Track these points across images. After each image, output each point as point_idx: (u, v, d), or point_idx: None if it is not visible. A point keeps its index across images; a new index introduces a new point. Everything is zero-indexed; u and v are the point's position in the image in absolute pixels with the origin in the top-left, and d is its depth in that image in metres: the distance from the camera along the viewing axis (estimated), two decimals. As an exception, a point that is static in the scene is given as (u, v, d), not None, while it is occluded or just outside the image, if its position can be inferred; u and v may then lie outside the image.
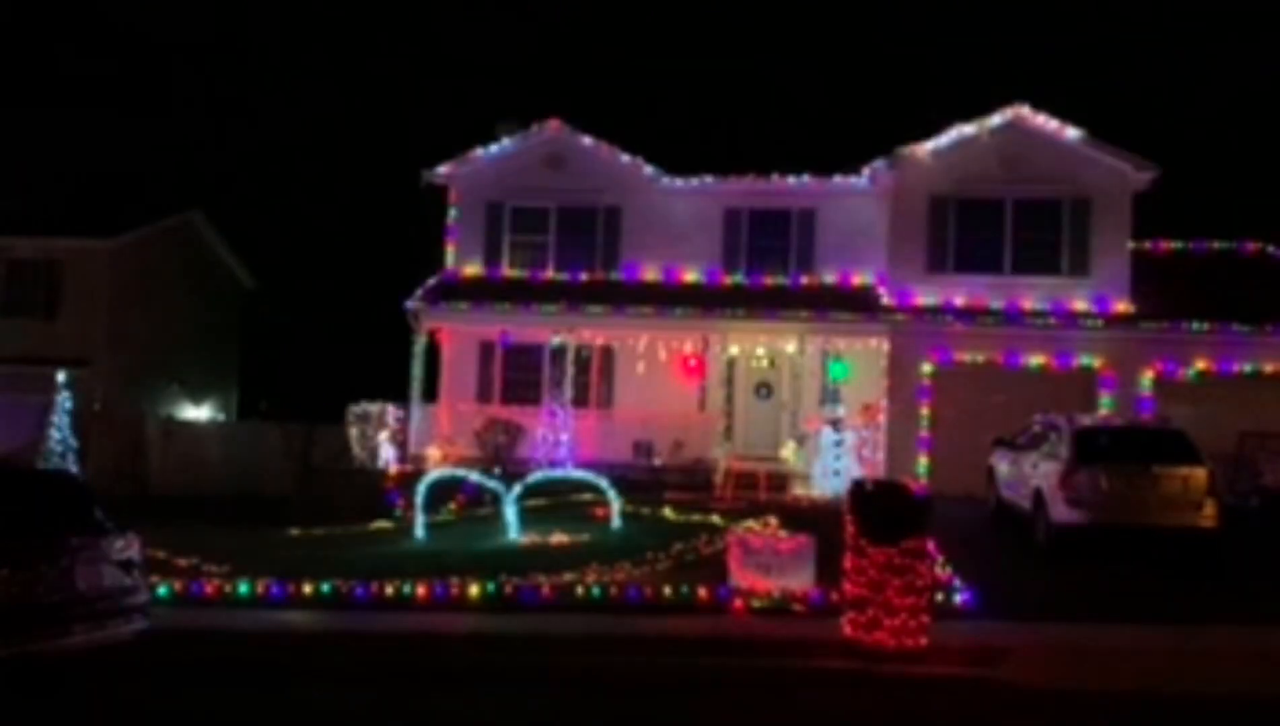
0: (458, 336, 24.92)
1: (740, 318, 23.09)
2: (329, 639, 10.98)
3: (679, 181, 24.95)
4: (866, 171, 23.74)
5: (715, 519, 16.86)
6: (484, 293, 24.20)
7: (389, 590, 12.77)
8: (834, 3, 63.37)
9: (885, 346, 22.66)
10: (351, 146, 59.49)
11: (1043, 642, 11.08)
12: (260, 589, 12.90)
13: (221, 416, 34.46)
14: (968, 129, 22.88)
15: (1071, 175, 22.61)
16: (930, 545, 10.55)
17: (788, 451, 22.68)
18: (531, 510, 17.39)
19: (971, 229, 22.88)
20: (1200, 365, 21.91)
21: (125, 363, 29.19)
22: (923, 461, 21.96)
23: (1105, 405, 21.69)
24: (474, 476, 18.08)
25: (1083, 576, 14.25)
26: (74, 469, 22.00)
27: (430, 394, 24.59)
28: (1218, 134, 47.41)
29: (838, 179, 24.36)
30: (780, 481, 21.66)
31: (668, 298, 23.64)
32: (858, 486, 10.96)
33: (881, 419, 22.29)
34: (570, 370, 23.72)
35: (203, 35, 62.60)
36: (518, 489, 16.94)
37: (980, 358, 22.32)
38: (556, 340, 23.78)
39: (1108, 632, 11.65)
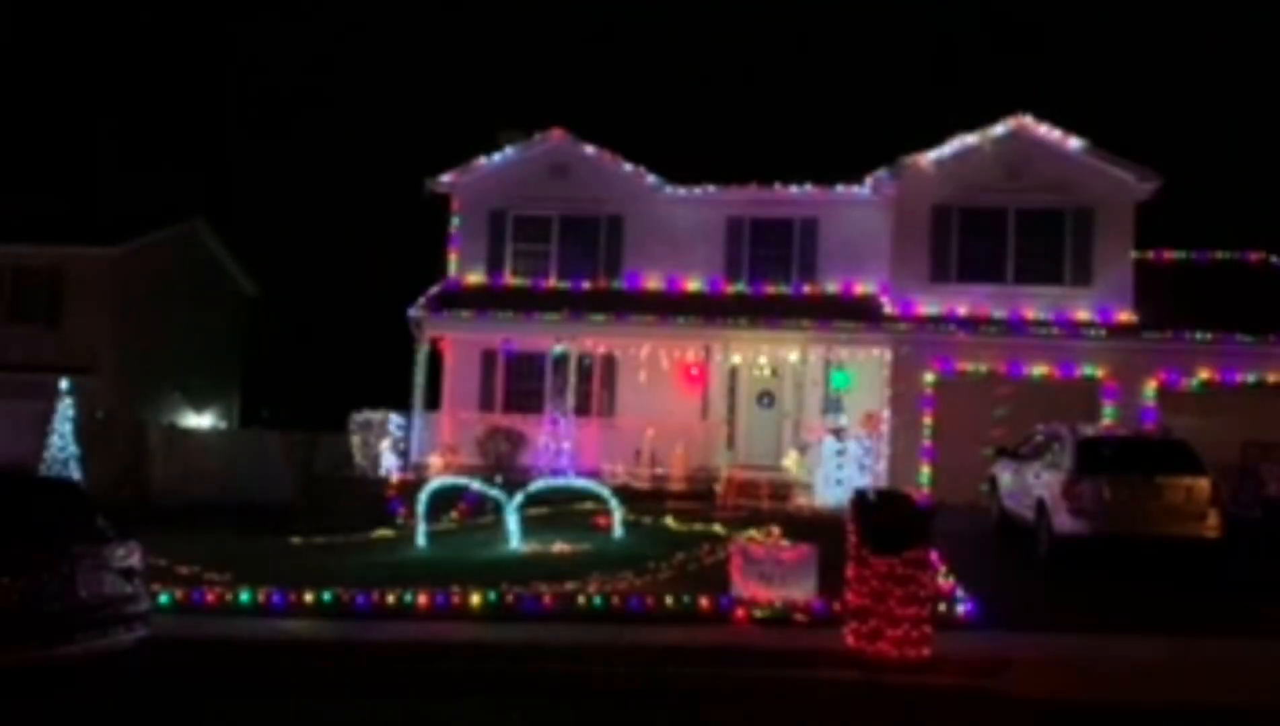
0: (460, 345, 24.93)
1: (742, 327, 23.08)
2: (330, 648, 10.96)
3: (681, 190, 24.98)
4: (869, 181, 23.75)
5: (717, 528, 16.84)
6: (486, 301, 24.21)
7: (390, 599, 12.74)
8: (837, 12, 63.49)
9: (888, 356, 22.65)
10: (354, 154, 59.58)
11: (1045, 653, 11.04)
12: (262, 597, 12.87)
13: (224, 424, 34.47)
14: (970, 138, 22.91)
15: (1074, 185, 22.62)
16: (933, 555, 10.54)
17: (790, 461, 22.67)
18: (533, 519, 17.37)
19: (974, 238, 22.88)
20: (1203, 375, 21.89)
21: (128, 370, 29.21)
22: (925, 471, 21.94)
23: (1108, 415, 21.65)
24: (476, 484, 18.07)
25: (1085, 587, 14.21)
26: (76, 476, 22.00)
27: (433, 402, 24.61)
28: (1221, 143, 47.45)
29: (840, 188, 24.38)
30: (782, 490, 21.63)
31: (670, 306, 23.64)
32: (860, 496, 10.94)
33: (884, 428, 22.26)
34: (572, 379, 23.72)
35: (206, 43, 62.77)
36: (519, 498, 16.93)
37: (983, 367, 22.31)
38: (559, 349, 23.79)
39: (1111, 643, 11.61)
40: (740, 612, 12.44)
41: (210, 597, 12.92)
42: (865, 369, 23.20)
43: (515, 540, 16.43)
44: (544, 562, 15.01)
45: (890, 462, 21.94)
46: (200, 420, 32.92)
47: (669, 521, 17.93)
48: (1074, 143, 22.64)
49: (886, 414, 22.42)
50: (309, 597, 12.80)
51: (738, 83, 60.36)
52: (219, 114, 60.86)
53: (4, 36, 55.93)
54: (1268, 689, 9.93)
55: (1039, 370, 22.14)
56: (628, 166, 25.04)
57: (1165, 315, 22.23)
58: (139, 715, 8.68)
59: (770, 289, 24.47)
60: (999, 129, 22.88)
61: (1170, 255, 25.73)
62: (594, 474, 19.83)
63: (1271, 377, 21.74)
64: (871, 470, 21.33)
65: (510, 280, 25.23)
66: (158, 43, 62.05)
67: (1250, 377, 21.78)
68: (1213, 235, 28.35)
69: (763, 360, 24.57)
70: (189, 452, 28.08)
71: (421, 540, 17.02)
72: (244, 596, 12.91)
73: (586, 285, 24.85)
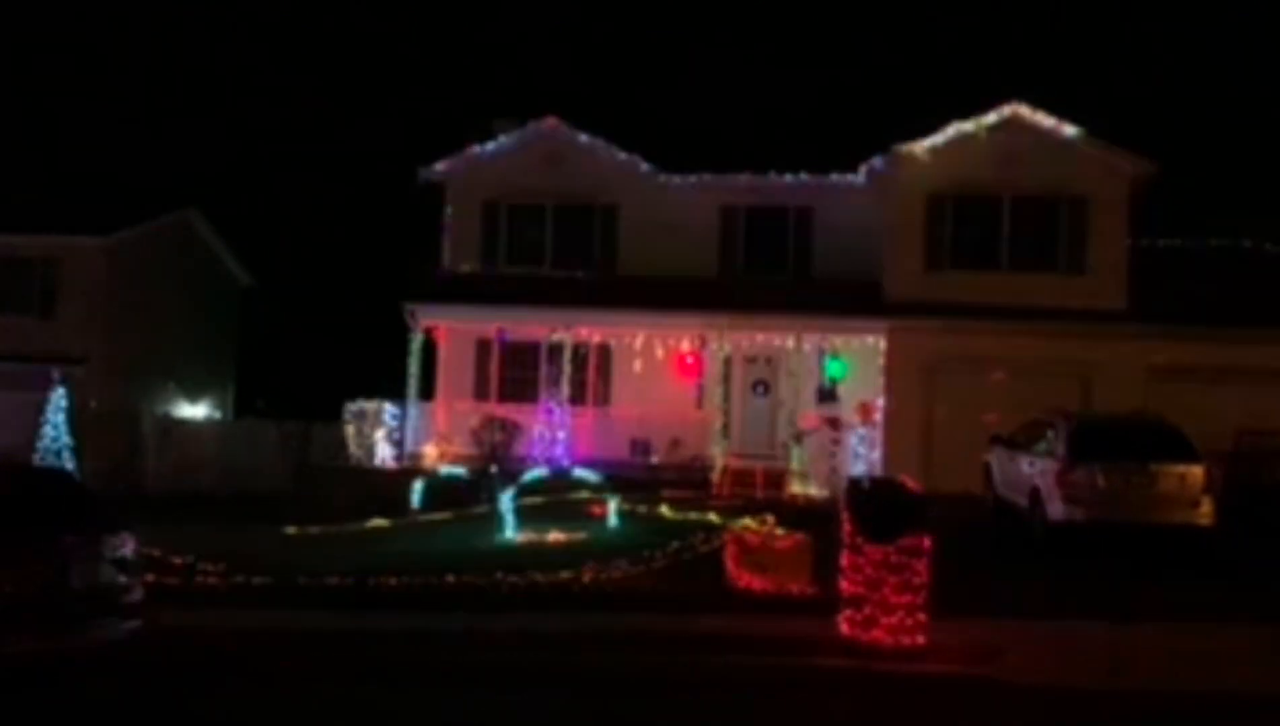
0: (454, 334, 24.88)
1: (738, 315, 23.06)
2: (325, 638, 10.96)
3: (676, 179, 24.92)
4: (864, 169, 23.72)
5: (712, 517, 16.84)
6: (481, 290, 24.16)
7: (385, 589, 12.75)
8: (833, 1, 63.34)
9: (882, 344, 22.66)
10: (348, 144, 59.40)
11: (1040, 640, 11.07)
12: (256, 587, 12.87)
13: (218, 414, 34.39)
14: (965, 126, 22.86)
15: (1069, 172, 22.60)
16: (927, 543, 10.54)
17: (785, 449, 22.66)
18: (528, 508, 17.38)
19: (969, 226, 22.86)
20: (1197, 362, 21.86)
21: (121, 360, 29.14)
22: (919, 459, 21.89)
23: (1102, 403, 21.65)
24: (471, 474, 18.07)
25: (1079, 574, 14.23)
26: (70, 467, 21.96)
27: (427, 392, 24.55)
28: (1215, 130, 47.41)
29: (835, 177, 24.34)
30: (777, 479, 21.65)
31: (665, 295, 23.57)
32: (855, 484, 10.95)
33: (878, 417, 22.27)
34: (567, 368, 23.69)
35: (199, 32, 62.49)
36: (515, 487, 16.93)
37: (977, 355, 22.29)
38: (553, 338, 23.76)
39: (1104, 630, 11.63)
40: (735, 601, 12.46)
41: (205, 588, 12.91)
42: (860, 357, 23.19)
43: (510, 529, 16.42)
44: (539, 552, 15.01)
45: (885, 451, 21.95)
46: (194, 410, 32.85)
47: (664, 510, 17.93)
48: (1069, 130, 22.61)
49: (881, 402, 22.43)
50: (304, 588, 12.80)
51: (732, 71, 60.23)
52: (213, 103, 60.66)
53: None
54: (1261, 675, 9.96)
55: (1033, 358, 22.11)
56: (622, 155, 24.97)
57: (1160, 302, 22.22)
58: (134, 707, 8.67)
59: (765, 277, 24.43)
60: (993, 117, 22.83)
61: (1164, 242, 25.69)
62: (589, 463, 19.83)
63: (1266, 364, 21.73)
64: (866, 458, 21.36)
65: (505, 269, 25.15)
66: (153, 32, 61.78)
67: (1244, 364, 21.76)
68: (1207, 222, 28.33)
69: (758, 349, 24.54)
70: (183, 443, 28.03)
71: (417, 530, 17.01)
72: (239, 587, 12.90)
73: (581, 274, 24.77)
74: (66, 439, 23.64)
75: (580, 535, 16.12)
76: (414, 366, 23.88)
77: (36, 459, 22.96)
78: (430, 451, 22.84)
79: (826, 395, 22.96)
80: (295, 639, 10.91)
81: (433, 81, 61.97)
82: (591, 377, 24.49)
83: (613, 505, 17.12)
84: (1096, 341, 22.07)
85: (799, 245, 24.62)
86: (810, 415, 22.58)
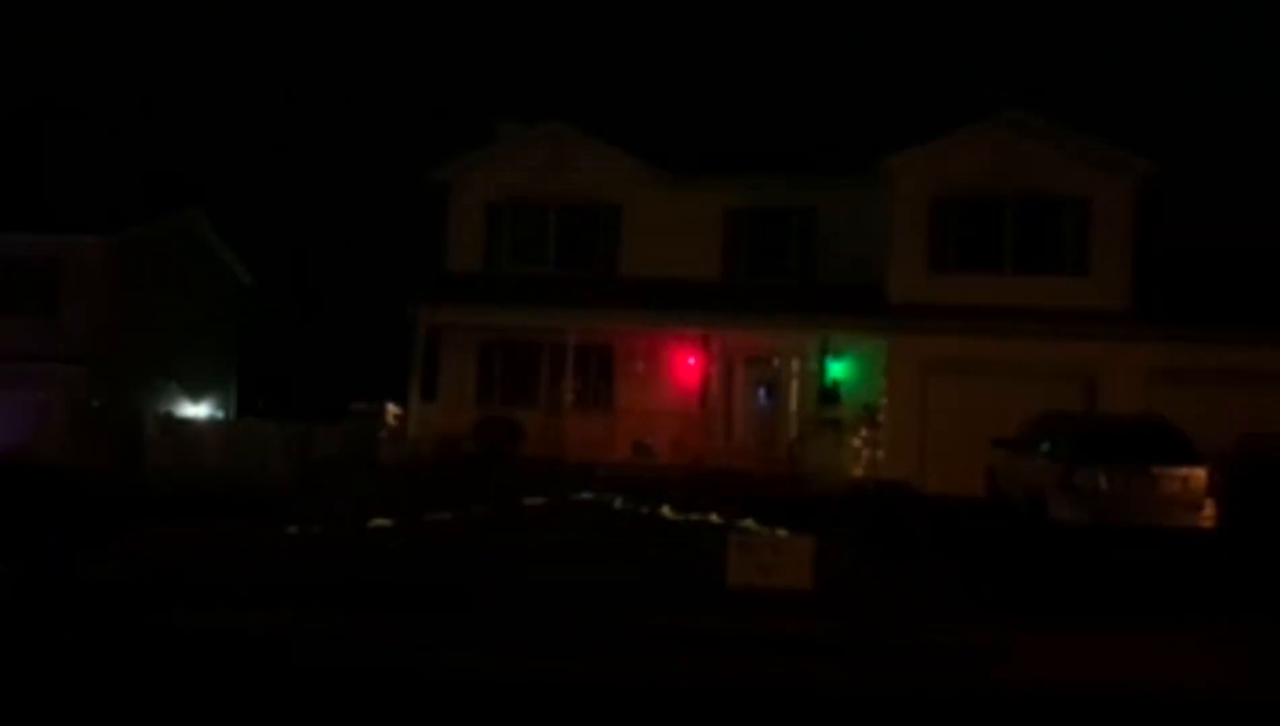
0: (457, 335, 24.87)
1: (740, 317, 23.03)
2: (325, 638, 10.95)
3: (680, 181, 24.90)
4: (867, 171, 23.70)
5: (714, 518, 16.83)
6: (484, 291, 24.16)
7: (385, 589, 12.74)
8: (835, 3, 63.39)
9: (885, 346, 22.63)
10: (353, 144, 59.50)
11: (1043, 642, 11.06)
12: (256, 587, 12.86)
13: (220, 414, 34.41)
14: (968, 128, 22.83)
15: (1072, 174, 22.57)
16: (929, 544, 10.54)
17: (788, 451, 22.64)
18: (530, 509, 17.36)
19: (972, 228, 22.83)
20: (1201, 363, 21.82)
21: (123, 360, 29.13)
22: (922, 460, 21.87)
23: (1105, 405, 21.62)
24: (473, 474, 18.06)
25: (1082, 576, 14.22)
26: (70, 467, 21.96)
27: (430, 392, 24.55)
28: (1218, 131, 47.40)
29: (838, 179, 24.31)
30: (780, 481, 21.61)
31: (668, 297, 23.58)
32: (858, 486, 10.95)
33: (881, 418, 22.25)
34: (570, 369, 23.68)
35: (201, 31, 62.58)
36: (515, 488, 16.92)
37: (980, 357, 22.25)
38: (556, 339, 23.74)
39: (1107, 632, 11.64)
40: (736, 601, 12.44)
41: (205, 588, 12.90)
42: (863, 359, 23.18)
43: (513, 530, 16.38)
44: (543, 552, 14.99)
45: (888, 452, 21.90)
46: (196, 410, 32.86)
47: (666, 511, 17.90)
48: (1072, 132, 22.58)
49: (884, 404, 22.40)
50: (304, 588, 12.79)
51: (736, 73, 60.28)
52: (216, 103, 60.74)
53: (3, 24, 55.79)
54: (1263, 677, 9.95)
55: (1036, 360, 22.08)
56: (626, 157, 24.97)
57: (1163, 303, 22.20)
58: (134, 706, 8.66)
59: (768, 280, 24.40)
60: (996, 119, 22.81)
61: (1168, 244, 25.64)
62: (591, 464, 19.82)
63: (1268, 366, 21.69)
64: (869, 460, 21.32)
65: (508, 270, 25.15)
66: (155, 32, 61.87)
67: (1248, 366, 21.72)
68: (1211, 223, 28.34)
69: (760, 350, 24.51)
70: (185, 442, 28.00)
71: (417, 530, 16.98)
72: (239, 587, 12.89)
73: (584, 276, 24.77)
74: (67, 439, 23.62)
75: (582, 536, 16.08)
76: (416, 367, 23.86)
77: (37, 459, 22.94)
78: (433, 452, 22.83)
79: (829, 397, 22.95)
80: (295, 639, 10.91)
81: (437, 83, 62.07)
82: (594, 379, 24.48)
83: (615, 505, 17.11)
84: (1100, 342, 22.04)
85: (802, 247, 24.61)
86: (813, 417, 22.54)
